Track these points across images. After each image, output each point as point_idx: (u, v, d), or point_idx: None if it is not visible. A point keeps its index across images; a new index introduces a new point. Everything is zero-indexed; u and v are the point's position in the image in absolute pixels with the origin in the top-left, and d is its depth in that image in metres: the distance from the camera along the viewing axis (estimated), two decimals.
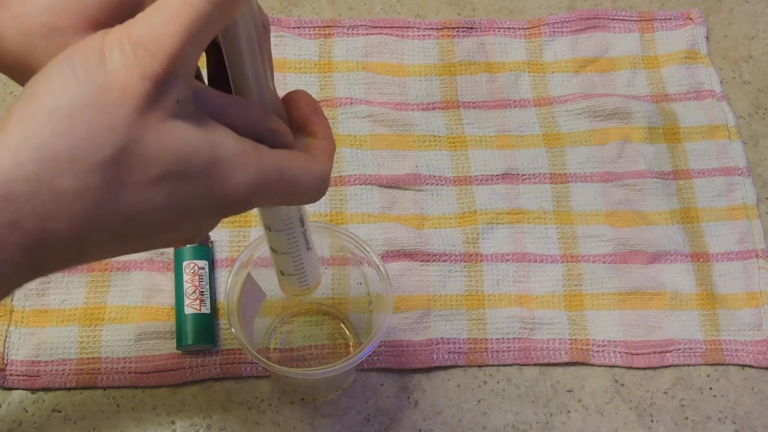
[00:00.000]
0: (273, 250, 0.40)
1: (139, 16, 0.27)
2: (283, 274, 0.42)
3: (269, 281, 0.51)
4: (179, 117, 0.27)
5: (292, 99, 0.35)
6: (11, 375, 0.54)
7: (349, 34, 0.67)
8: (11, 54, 0.30)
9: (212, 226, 0.31)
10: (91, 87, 0.26)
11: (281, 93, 0.35)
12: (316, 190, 0.32)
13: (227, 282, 0.47)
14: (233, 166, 0.29)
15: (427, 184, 0.61)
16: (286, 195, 0.32)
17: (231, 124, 0.30)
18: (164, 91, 0.27)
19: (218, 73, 0.33)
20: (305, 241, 0.40)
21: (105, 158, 0.26)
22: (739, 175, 0.63)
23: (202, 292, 0.55)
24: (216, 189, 0.29)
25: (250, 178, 0.29)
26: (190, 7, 0.26)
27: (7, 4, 0.30)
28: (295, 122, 0.34)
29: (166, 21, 0.26)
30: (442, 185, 0.61)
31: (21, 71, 0.30)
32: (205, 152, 0.28)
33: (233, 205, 0.30)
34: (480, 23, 0.68)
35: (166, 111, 0.27)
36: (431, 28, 0.67)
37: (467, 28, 0.67)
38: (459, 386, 0.56)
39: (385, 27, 0.67)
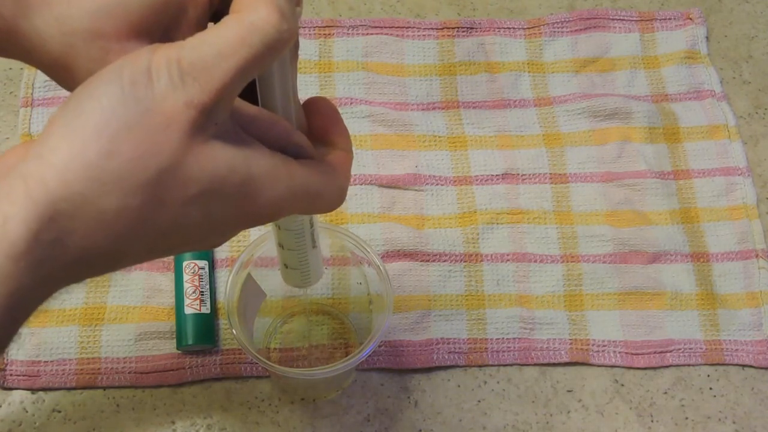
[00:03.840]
0: (280, 245, 0.41)
1: (191, 42, 0.27)
2: (287, 268, 0.42)
3: (269, 281, 0.51)
4: (218, 137, 0.28)
5: (313, 106, 0.35)
6: (11, 375, 0.54)
7: (349, 34, 0.67)
8: (52, 54, 0.30)
9: (234, 235, 0.32)
10: (138, 109, 0.26)
11: None
12: (335, 202, 0.33)
13: (227, 282, 0.47)
14: (265, 182, 0.29)
15: (427, 184, 0.61)
16: (308, 206, 0.33)
17: (259, 136, 0.30)
18: (208, 118, 0.27)
19: None
20: (312, 240, 0.41)
21: (148, 179, 0.27)
22: (739, 175, 0.63)
23: (202, 292, 0.55)
24: (247, 204, 0.29)
25: (280, 194, 0.30)
26: (247, 47, 0.27)
27: (51, 5, 0.30)
28: (316, 131, 0.34)
29: (219, 55, 0.27)
30: (442, 185, 0.61)
31: (60, 71, 0.30)
32: (241, 170, 0.28)
33: (261, 218, 0.31)
34: (480, 23, 0.68)
35: (207, 134, 0.28)
36: (431, 28, 0.67)
37: (467, 28, 0.67)
38: (459, 386, 0.56)
39: (385, 27, 0.67)
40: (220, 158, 0.28)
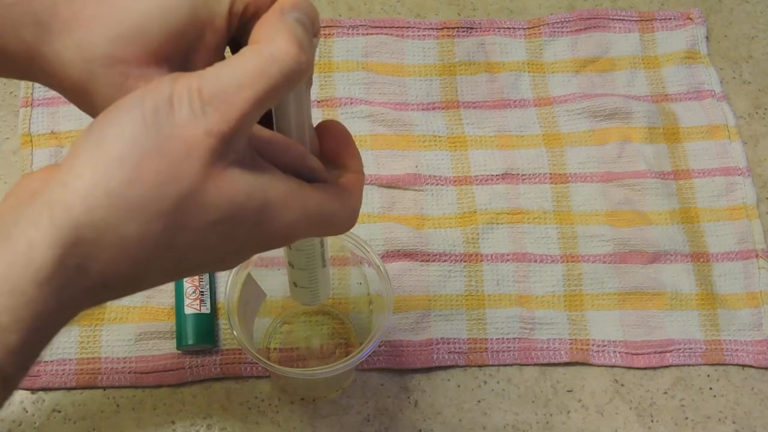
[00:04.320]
0: (290, 264, 0.41)
1: (211, 72, 0.28)
2: (296, 286, 0.43)
3: (269, 281, 0.51)
4: (236, 165, 0.29)
5: (326, 130, 0.35)
6: None
7: (349, 34, 0.67)
8: (72, 78, 0.30)
9: (249, 258, 0.33)
10: (159, 137, 0.27)
11: None
12: (348, 224, 0.34)
13: (227, 282, 0.47)
14: (281, 207, 0.30)
15: (427, 184, 0.61)
16: (322, 229, 0.33)
17: (273, 160, 0.31)
18: (227, 146, 0.28)
19: None
20: (322, 260, 0.41)
21: (169, 206, 0.27)
22: (739, 175, 0.63)
23: (202, 292, 0.55)
24: (264, 229, 0.30)
25: (296, 218, 0.31)
26: (266, 78, 0.27)
27: (71, 31, 0.30)
28: (328, 154, 0.35)
29: (239, 86, 0.27)
30: (442, 185, 0.61)
31: (79, 95, 0.31)
32: (258, 197, 0.29)
33: (276, 242, 0.32)
34: (480, 23, 0.67)
35: (226, 162, 0.28)
36: (431, 28, 0.67)
37: (467, 28, 0.67)
38: (459, 386, 0.56)
39: (385, 27, 0.67)
40: (238, 185, 0.28)
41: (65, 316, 0.28)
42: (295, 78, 0.28)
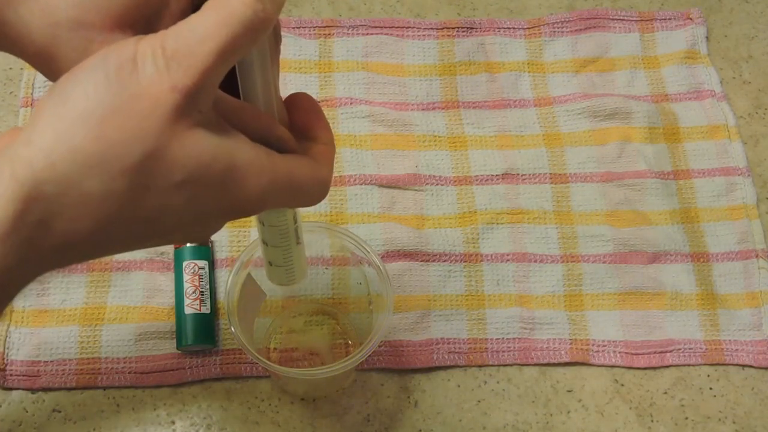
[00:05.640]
0: (264, 242, 0.41)
1: (174, 30, 0.28)
2: (272, 265, 0.42)
3: (269, 281, 0.51)
4: (202, 125, 0.28)
5: (294, 102, 0.35)
6: (11, 375, 0.54)
7: (349, 34, 0.67)
8: (36, 44, 0.30)
9: (219, 228, 0.33)
10: (123, 95, 0.27)
11: (281, 93, 0.35)
12: (319, 195, 0.33)
13: (227, 282, 0.47)
14: (249, 173, 0.30)
15: (427, 184, 0.61)
16: (292, 200, 0.33)
17: (241, 128, 0.31)
18: (192, 102, 0.28)
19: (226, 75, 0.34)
20: (296, 236, 0.41)
21: (133, 164, 0.27)
22: (739, 175, 0.63)
23: (202, 292, 0.55)
24: (230, 194, 0.30)
25: (263, 185, 0.30)
26: (227, 27, 0.27)
27: None
28: (298, 126, 0.35)
29: (201, 38, 0.27)
30: (442, 185, 0.61)
31: (43, 60, 0.31)
32: (224, 159, 0.29)
33: (244, 210, 0.31)
34: (480, 23, 0.68)
35: (191, 120, 0.28)
36: (431, 28, 0.67)
37: (467, 28, 0.67)
38: (459, 386, 0.56)
39: (385, 27, 0.67)
40: (203, 145, 0.28)
41: (28, 274, 0.28)
42: (256, 28, 0.28)
